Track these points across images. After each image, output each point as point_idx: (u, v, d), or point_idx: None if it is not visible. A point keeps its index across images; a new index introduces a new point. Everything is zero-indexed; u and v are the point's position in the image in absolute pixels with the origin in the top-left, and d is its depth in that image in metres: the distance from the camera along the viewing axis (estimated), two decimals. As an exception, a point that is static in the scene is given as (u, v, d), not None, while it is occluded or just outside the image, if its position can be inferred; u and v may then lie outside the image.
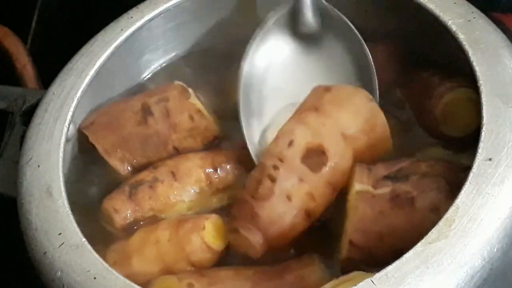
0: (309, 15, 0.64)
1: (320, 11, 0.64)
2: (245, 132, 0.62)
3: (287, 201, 0.53)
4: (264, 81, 0.65)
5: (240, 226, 0.53)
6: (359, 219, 0.52)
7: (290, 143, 0.54)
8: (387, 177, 0.53)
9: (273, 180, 0.53)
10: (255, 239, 0.53)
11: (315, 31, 0.65)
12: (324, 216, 0.55)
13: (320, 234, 0.56)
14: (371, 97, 0.56)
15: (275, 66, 0.65)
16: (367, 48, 0.62)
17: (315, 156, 0.54)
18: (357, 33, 0.62)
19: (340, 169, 0.54)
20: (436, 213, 0.50)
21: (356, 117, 0.55)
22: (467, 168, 0.48)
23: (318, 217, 0.55)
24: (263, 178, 0.53)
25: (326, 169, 0.53)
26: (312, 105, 0.56)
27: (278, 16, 0.65)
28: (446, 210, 0.47)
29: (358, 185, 0.52)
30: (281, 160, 0.54)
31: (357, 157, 0.55)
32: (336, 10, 0.63)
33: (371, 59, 0.61)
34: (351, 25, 0.62)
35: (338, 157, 0.54)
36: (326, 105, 0.55)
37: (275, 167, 0.54)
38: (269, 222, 0.53)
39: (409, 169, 0.53)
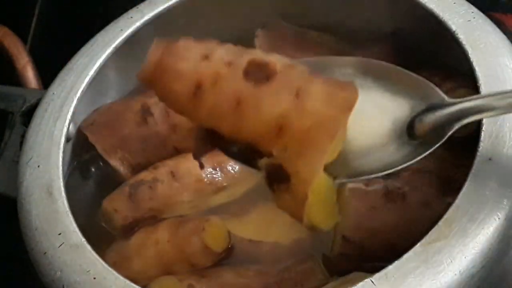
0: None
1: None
2: None
3: None
4: None
5: None
6: (351, 215, 0.52)
7: None
8: None
9: None
10: None
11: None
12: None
13: (320, 235, 0.56)
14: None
15: None
16: None
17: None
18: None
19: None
20: (428, 208, 0.50)
21: None
22: (460, 165, 0.48)
23: None
24: None
25: None
26: None
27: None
28: (438, 204, 0.47)
29: (351, 184, 0.53)
30: None
31: None
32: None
33: None
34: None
35: None
36: None
37: None
38: None
39: None
